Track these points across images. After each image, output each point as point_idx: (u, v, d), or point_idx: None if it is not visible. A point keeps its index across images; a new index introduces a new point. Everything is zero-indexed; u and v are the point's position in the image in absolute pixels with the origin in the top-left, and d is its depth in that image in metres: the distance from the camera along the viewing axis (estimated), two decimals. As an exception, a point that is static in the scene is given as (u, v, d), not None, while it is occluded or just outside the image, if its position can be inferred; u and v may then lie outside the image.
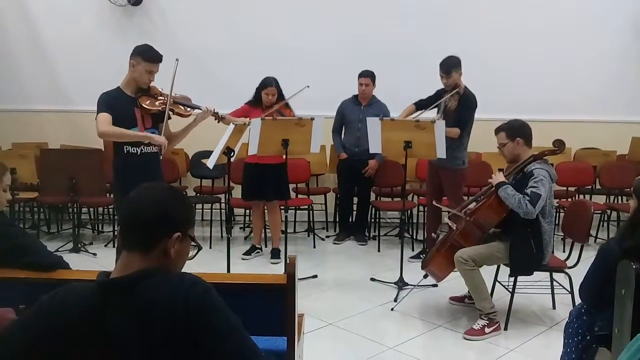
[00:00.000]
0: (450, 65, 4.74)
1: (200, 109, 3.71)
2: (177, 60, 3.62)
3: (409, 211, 5.89)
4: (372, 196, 6.04)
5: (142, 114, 3.56)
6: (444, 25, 6.27)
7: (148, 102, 3.56)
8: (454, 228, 3.83)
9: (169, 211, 1.44)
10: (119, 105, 3.50)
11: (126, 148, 3.53)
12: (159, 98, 3.61)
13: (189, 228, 1.49)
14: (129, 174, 3.48)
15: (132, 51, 3.55)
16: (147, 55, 3.51)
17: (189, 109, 3.70)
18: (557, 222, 4.85)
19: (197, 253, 1.54)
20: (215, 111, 3.79)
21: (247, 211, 6.04)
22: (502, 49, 6.29)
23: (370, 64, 5.63)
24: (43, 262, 2.18)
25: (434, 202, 4.66)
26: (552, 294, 4.05)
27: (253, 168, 4.99)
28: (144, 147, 3.55)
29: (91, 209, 6.25)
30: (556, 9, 6.37)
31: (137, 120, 3.55)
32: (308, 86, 4.50)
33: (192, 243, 1.51)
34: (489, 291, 3.81)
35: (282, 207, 5.01)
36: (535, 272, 3.70)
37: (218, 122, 3.91)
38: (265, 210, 5.27)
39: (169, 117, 3.66)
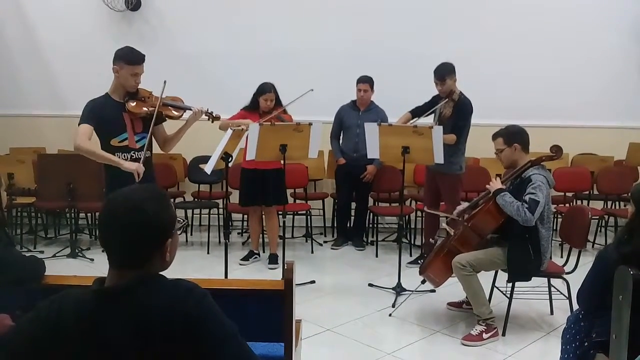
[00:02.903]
0: (444, 72, 4.74)
1: (192, 110, 3.58)
2: (165, 82, 3.48)
3: (406, 216, 5.90)
4: (370, 201, 6.04)
5: (131, 119, 3.46)
6: (442, 31, 6.29)
7: (136, 105, 3.46)
8: (452, 233, 3.83)
9: (156, 225, 1.38)
10: (106, 112, 3.40)
11: (116, 155, 3.40)
12: (147, 101, 3.50)
13: (175, 225, 1.44)
14: (121, 184, 3.35)
15: (114, 56, 3.44)
16: (128, 58, 3.40)
17: (179, 110, 3.59)
18: (554, 228, 4.86)
19: (184, 227, 1.52)
20: (209, 111, 3.67)
21: (245, 216, 6.03)
22: (500, 55, 6.31)
23: (369, 69, 5.64)
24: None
25: (426, 209, 4.74)
26: (550, 299, 4.05)
27: (251, 173, 4.98)
28: (134, 153, 3.45)
29: (89, 214, 6.23)
30: (554, 15, 6.38)
31: (126, 126, 3.44)
32: (312, 89, 4.43)
33: (178, 224, 1.47)
34: (487, 297, 3.80)
35: (280, 212, 5.01)
36: (533, 278, 3.69)
37: (212, 122, 3.80)
38: (263, 216, 5.27)
39: (164, 120, 3.59)
